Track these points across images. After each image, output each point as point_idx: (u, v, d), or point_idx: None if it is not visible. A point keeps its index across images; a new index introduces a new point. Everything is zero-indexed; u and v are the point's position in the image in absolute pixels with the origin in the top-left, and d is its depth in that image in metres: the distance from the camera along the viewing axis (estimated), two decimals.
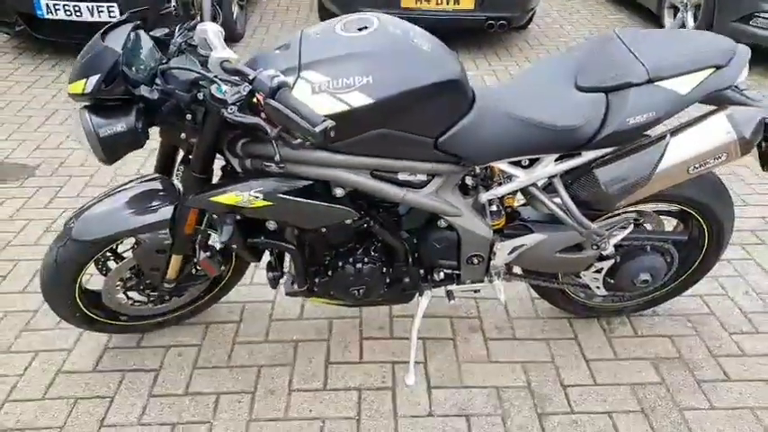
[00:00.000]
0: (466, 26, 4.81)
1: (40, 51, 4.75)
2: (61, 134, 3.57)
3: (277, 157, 1.42)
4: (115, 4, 4.32)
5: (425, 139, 1.54)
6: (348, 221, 1.65)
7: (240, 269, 2.08)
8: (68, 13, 4.34)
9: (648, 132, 1.62)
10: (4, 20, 4.51)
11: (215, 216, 1.65)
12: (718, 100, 1.60)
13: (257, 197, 1.53)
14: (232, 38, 5.05)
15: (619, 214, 1.83)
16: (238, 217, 1.63)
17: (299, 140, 1.29)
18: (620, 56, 1.60)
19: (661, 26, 5.30)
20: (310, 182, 1.55)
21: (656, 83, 1.53)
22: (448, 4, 4.57)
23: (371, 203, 1.71)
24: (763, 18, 4.40)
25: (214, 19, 1.58)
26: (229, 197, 1.53)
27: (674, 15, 5.19)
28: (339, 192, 1.59)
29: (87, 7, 4.31)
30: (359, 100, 1.40)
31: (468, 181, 1.80)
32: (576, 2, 6.41)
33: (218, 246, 1.70)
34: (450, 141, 1.55)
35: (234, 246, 1.70)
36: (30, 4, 4.32)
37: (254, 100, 1.32)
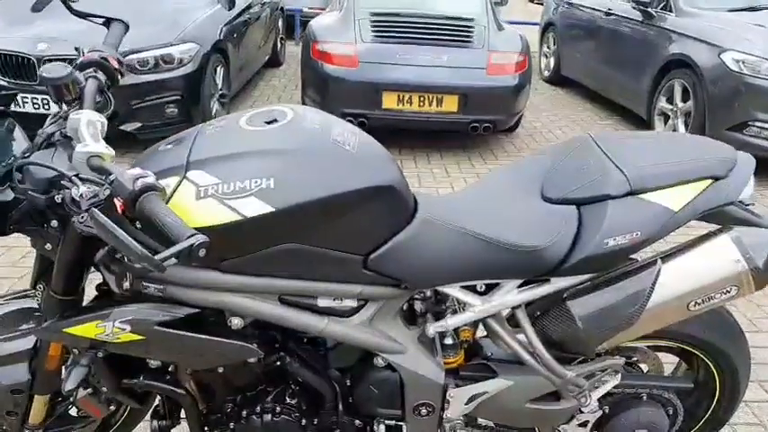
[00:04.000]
0: (449, 128, 4.66)
1: None
2: None
3: (126, 284, 1.10)
4: None
5: (351, 257, 1.21)
6: (252, 360, 1.29)
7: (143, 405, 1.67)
8: (36, 106, 4.21)
9: (635, 256, 1.29)
10: None
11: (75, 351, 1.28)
12: (719, 218, 1.28)
13: (123, 329, 1.18)
14: None
15: (603, 357, 1.45)
16: (101, 354, 1.26)
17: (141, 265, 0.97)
18: (596, 162, 1.30)
19: None
20: (196, 310, 1.20)
21: (639, 195, 1.22)
22: (431, 105, 4.44)
23: (287, 334, 1.35)
24: (757, 127, 4.22)
25: (101, 107, 1.30)
26: (87, 328, 1.18)
27: (665, 122, 5.06)
28: (236, 322, 1.23)
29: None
30: (255, 208, 1.09)
31: (417, 306, 1.46)
32: (566, 107, 6.37)
33: None
34: (384, 260, 1.22)
35: (104, 389, 1.32)
36: None
37: (117, 206, 1.01)
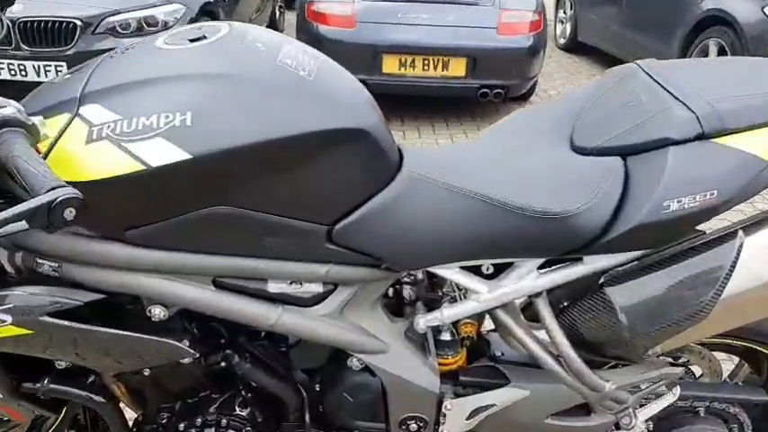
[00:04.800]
0: (456, 95, 4.28)
1: None
2: None
3: (18, 260, 0.79)
4: (64, 64, 3.85)
5: (310, 227, 0.88)
6: (186, 360, 0.97)
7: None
8: (13, 72, 3.88)
9: (702, 227, 0.95)
10: None
11: None
12: None
13: (4, 321, 0.86)
14: None
15: (652, 362, 1.12)
16: None
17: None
18: (649, 96, 0.95)
19: None
20: (100, 296, 0.89)
21: (713, 139, 0.87)
22: (436, 69, 4.05)
23: (234, 327, 1.03)
24: None
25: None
26: None
27: None
28: (158, 313, 0.91)
29: (34, 66, 3.86)
30: (163, 154, 0.76)
31: (405, 293, 1.13)
32: (583, 75, 5.95)
33: None
34: (357, 231, 0.90)
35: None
36: None
37: None
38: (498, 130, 1.11)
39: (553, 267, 0.99)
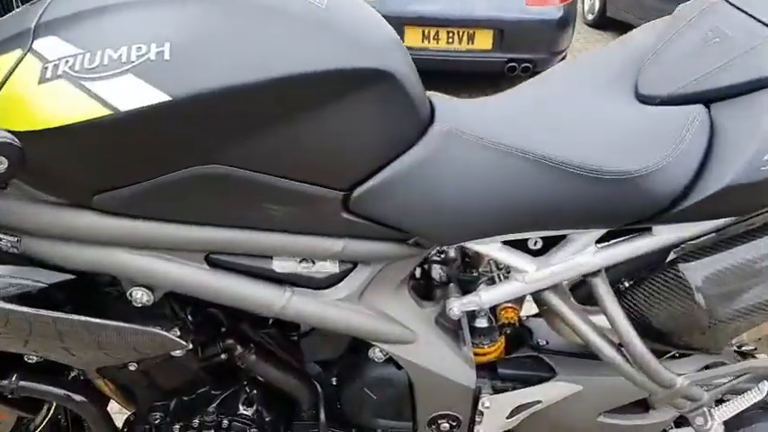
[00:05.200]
0: (482, 69, 4.07)
1: None
2: None
3: None
4: None
5: (322, 192, 0.73)
6: (178, 353, 0.83)
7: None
8: None
9: None
10: None
11: None
12: None
13: None
14: None
15: (731, 353, 0.94)
16: None
17: None
18: (738, 32, 0.77)
19: None
20: (69, 276, 0.74)
21: None
22: (461, 42, 3.85)
23: (235, 313, 0.88)
24: None
25: None
26: None
27: None
28: (140, 296, 0.77)
29: None
30: (135, 95, 0.61)
31: (435, 273, 0.98)
32: None
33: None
34: (380, 198, 0.74)
35: None
36: None
37: None
38: (544, 82, 0.94)
39: (614, 241, 0.82)
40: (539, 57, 3.96)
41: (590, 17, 6.71)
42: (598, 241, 0.82)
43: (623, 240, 0.81)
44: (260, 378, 0.94)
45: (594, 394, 0.90)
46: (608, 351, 0.83)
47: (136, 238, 0.72)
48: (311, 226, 0.76)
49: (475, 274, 0.97)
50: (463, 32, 3.82)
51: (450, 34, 3.83)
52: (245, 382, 0.94)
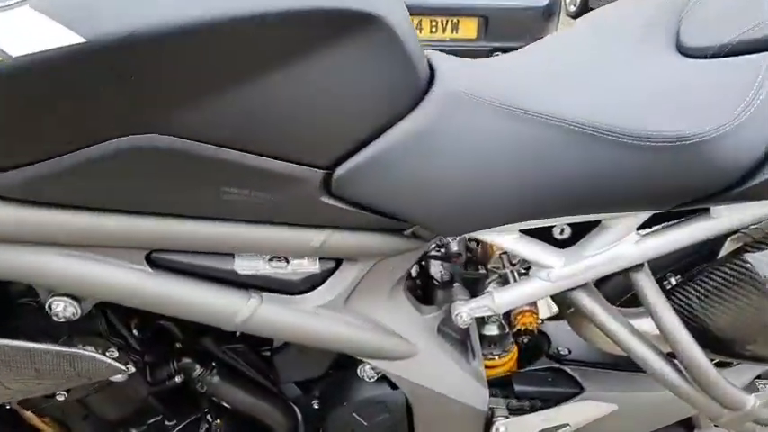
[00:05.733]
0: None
1: None
2: None
3: None
4: None
5: (298, 172, 0.56)
6: (118, 378, 0.65)
7: None
8: None
9: None
10: None
11: None
12: None
13: None
14: None
15: None
16: None
17: None
18: None
19: None
20: None
21: None
22: (444, 31, 3.69)
23: (191, 325, 0.71)
24: None
25: None
26: None
27: None
28: (62, 309, 0.59)
29: None
30: (34, 36, 0.44)
31: (437, 272, 0.82)
32: None
33: None
34: (367, 179, 0.58)
35: None
36: None
37: None
38: (564, 38, 0.78)
39: (661, 226, 0.66)
40: (525, 45, 3.82)
41: (572, 8, 6.64)
42: (640, 228, 0.66)
43: (673, 225, 0.65)
44: (225, 404, 0.76)
45: (632, 414, 0.75)
46: (657, 364, 0.67)
47: (52, 232, 0.54)
48: (283, 214, 0.60)
49: (482, 272, 0.82)
50: (447, 21, 3.67)
51: (434, 23, 3.67)
52: (207, 410, 0.76)
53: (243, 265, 0.63)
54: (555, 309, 0.87)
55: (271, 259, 0.64)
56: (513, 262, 0.79)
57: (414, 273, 0.85)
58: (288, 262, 0.65)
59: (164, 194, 0.55)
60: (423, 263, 0.85)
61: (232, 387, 0.75)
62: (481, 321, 0.82)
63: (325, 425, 0.79)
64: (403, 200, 0.61)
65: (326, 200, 0.59)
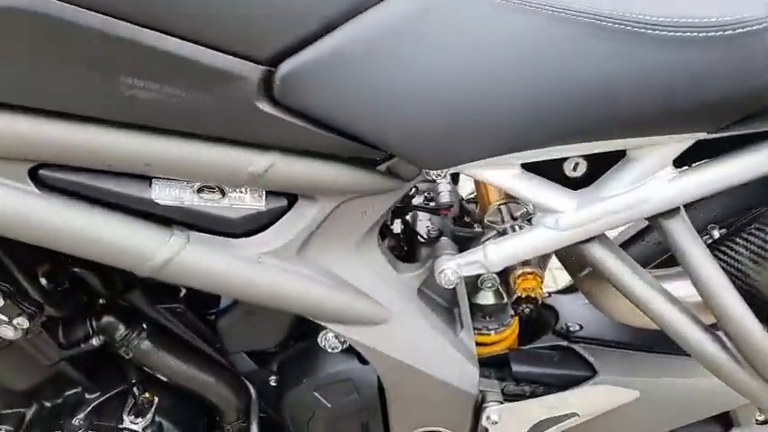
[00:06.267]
0: None
1: None
2: None
3: None
4: None
5: (229, 65, 0.42)
6: (10, 335, 0.52)
7: None
8: None
9: None
10: None
11: None
12: None
13: None
14: None
15: None
16: None
17: None
18: None
19: None
20: None
21: None
22: None
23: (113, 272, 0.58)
24: None
25: None
26: None
27: None
28: None
29: None
30: None
31: (421, 224, 0.68)
32: None
33: None
34: (324, 83, 0.43)
35: None
36: None
37: None
38: None
39: (703, 162, 0.52)
40: None
41: None
42: (678, 163, 0.51)
43: (719, 158, 0.50)
44: (159, 376, 0.63)
45: (657, 404, 0.60)
46: (697, 338, 0.52)
47: None
48: (210, 124, 0.46)
49: (478, 230, 0.68)
50: None
51: None
52: (135, 381, 0.63)
53: (163, 194, 0.49)
54: (560, 280, 0.72)
55: (201, 189, 0.50)
56: (515, 215, 0.65)
57: (398, 230, 0.71)
58: (224, 194, 0.51)
59: (47, 83, 0.42)
60: (409, 218, 0.71)
61: (166, 355, 0.61)
62: (475, 288, 0.67)
63: (282, 405, 0.66)
64: (368, 114, 0.47)
65: (268, 108, 0.45)
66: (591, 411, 0.61)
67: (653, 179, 0.50)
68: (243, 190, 0.51)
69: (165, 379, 0.63)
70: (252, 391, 0.69)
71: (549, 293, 0.76)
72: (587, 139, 0.49)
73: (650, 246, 0.70)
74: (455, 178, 0.77)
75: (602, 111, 0.47)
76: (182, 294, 0.66)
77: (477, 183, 0.71)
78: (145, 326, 0.61)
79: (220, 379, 0.65)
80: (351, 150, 0.49)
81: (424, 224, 0.69)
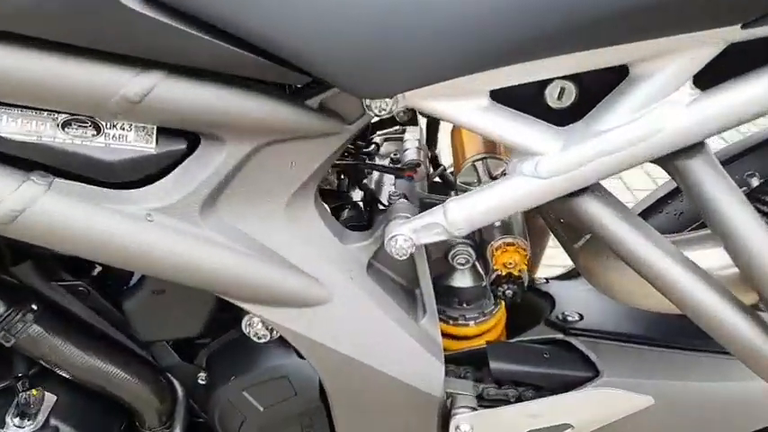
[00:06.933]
0: None
1: None
2: None
3: None
4: None
5: None
6: None
7: None
8: None
9: None
10: None
11: None
12: None
13: None
14: None
15: None
16: None
17: None
18: None
19: None
20: None
21: None
22: None
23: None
24: None
25: None
26: None
27: None
28: None
29: None
30: None
31: (383, 192, 0.56)
32: None
33: None
34: None
35: None
36: None
37: None
38: None
39: (735, 79, 0.38)
40: None
41: None
42: (697, 82, 0.38)
43: (755, 73, 0.37)
44: (57, 369, 0.52)
45: (679, 414, 0.46)
46: (731, 320, 0.38)
47: None
48: (69, 31, 0.35)
49: (448, 190, 0.55)
50: None
51: None
52: (20, 375, 0.51)
53: (13, 127, 0.38)
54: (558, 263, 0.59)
55: (67, 123, 0.39)
56: (495, 174, 0.52)
57: (358, 198, 0.59)
58: (99, 130, 0.39)
59: None
60: (373, 187, 0.58)
61: (62, 342, 0.50)
62: (448, 268, 0.54)
63: (210, 408, 0.54)
64: (280, 17, 0.35)
65: (137, 4, 0.33)
66: (590, 422, 0.47)
67: (665, 104, 0.37)
68: (126, 126, 0.40)
69: (63, 373, 0.52)
70: (179, 390, 0.57)
71: (547, 279, 0.63)
72: (576, 46, 0.36)
73: (670, 218, 0.56)
74: (431, 138, 0.65)
75: (592, 5, 0.34)
76: (95, 272, 0.55)
77: (452, 137, 0.58)
78: (35, 306, 0.49)
79: (136, 375, 0.54)
80: (261, 72, 0.38)
81: (386, 190, 0.57)
